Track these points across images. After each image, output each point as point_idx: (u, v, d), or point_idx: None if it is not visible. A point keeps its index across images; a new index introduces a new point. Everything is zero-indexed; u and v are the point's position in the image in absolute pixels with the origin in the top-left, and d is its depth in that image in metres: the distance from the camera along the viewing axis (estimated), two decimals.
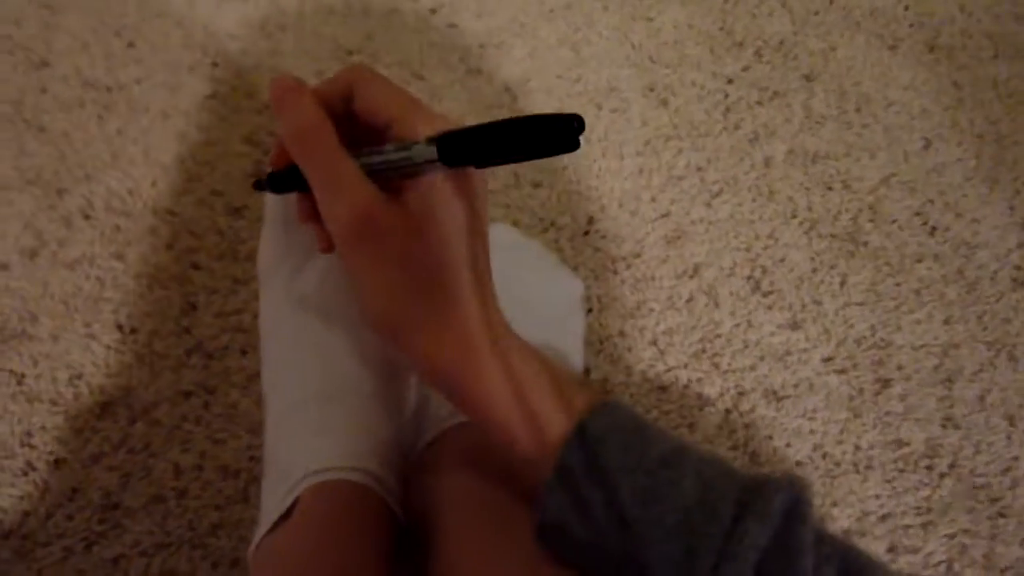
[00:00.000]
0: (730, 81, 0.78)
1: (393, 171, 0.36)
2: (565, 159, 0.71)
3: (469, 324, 0.38)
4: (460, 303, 0.38)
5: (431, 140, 0.34)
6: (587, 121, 0.73)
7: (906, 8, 0.84)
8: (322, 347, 0.46)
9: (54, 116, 0.70)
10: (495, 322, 0.39)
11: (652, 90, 0.76)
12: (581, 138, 0.32)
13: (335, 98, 0.37)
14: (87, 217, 0.65)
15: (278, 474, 0.45)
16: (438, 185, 0.36)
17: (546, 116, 0.31)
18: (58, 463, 0.55)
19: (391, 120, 0.36)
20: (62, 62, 0.74)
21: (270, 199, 0.51)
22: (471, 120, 0.72)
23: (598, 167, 0.71)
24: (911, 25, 0.83)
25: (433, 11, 0.80)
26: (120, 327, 0.60)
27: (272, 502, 0.44)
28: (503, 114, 0.74)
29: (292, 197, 0.43)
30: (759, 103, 0.76)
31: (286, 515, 0.43)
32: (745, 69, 0.79)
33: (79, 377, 0.58)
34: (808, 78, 0.78)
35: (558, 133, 0.31)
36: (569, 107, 0.75)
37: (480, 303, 0.38)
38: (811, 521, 0.33)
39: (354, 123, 0.38)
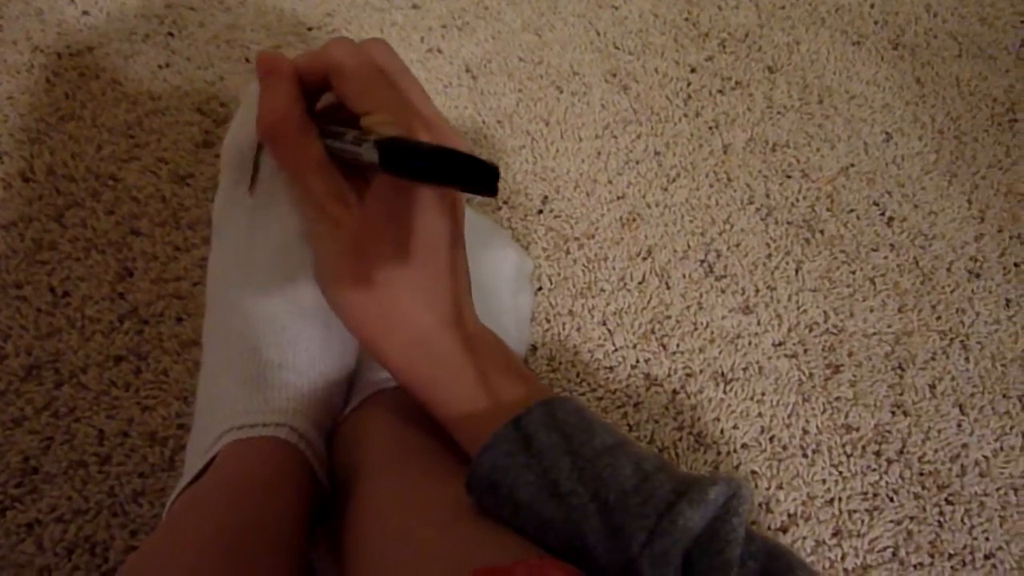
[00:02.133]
0: (693, 70, 0.77)
1: (352, 160, 0.36)
2: (522, 140, 0.70)
3: (416, 327, 0.39)
4: (402, 305, 0.38)
5: (378, 143, 0.33)
6: (547, 104, 0.73)
7: (872, 6, 0.84)
8: (263, 303, 0.45)
9: (0, 79, 0.68)
10: (445, 320, 0.39)
11: (614, 75, 0.76)
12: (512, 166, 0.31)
13: (315, 75, 0.37)
14: (27, 180, 0.63)
15: (203, 428, 0.44)
16: (387, 188, 0.36)
17: (480, 160, 0.32)
18: None
19: (361, 114, 0.36)
20: (13, 27, 0.72)
21: (228, 148, 0.49)
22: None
23: (555, 148, 0.70)
24: (876, 22, 0.83)
25: None
26: (53, 290, 0.58)
27: (195, 456, 0.43)
28: (461, 93, 0.73)
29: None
30: (721, 92, 0.75)
31: (206, 469, 0.41)
32: (709, 59, 0.78)
33: (6, 339, 0.56)
34: (771, 70, 0.78)
35: (486, 176, 0.32)
36: (529, 89, 0.74)
37: (425, 303, 0.39)
38: (744, 516, 0.32)
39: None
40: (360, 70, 0.36)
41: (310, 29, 0.76)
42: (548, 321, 0.61)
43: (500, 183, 0.33)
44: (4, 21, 0.73)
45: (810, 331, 0.61)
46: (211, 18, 0.75)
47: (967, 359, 0.61)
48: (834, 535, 0.53)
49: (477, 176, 0.32)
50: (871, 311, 0.63)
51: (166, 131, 0.67)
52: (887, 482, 0.55)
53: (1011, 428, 0.58)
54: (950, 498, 0.55)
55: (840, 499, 0.54)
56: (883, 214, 0.68)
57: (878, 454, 0.56)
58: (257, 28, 0.75)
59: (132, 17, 0.74)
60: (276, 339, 0.44)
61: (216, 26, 0.75)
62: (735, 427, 0.57)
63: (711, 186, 0.69)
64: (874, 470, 0.55)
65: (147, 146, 0.66)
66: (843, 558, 0.52)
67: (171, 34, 0.74)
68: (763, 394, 0.58)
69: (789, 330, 0.61)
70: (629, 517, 0.32)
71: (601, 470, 0.34)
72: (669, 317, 0.61)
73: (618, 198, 0.67)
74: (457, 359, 0.39)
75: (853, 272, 0.65)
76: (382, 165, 0.32)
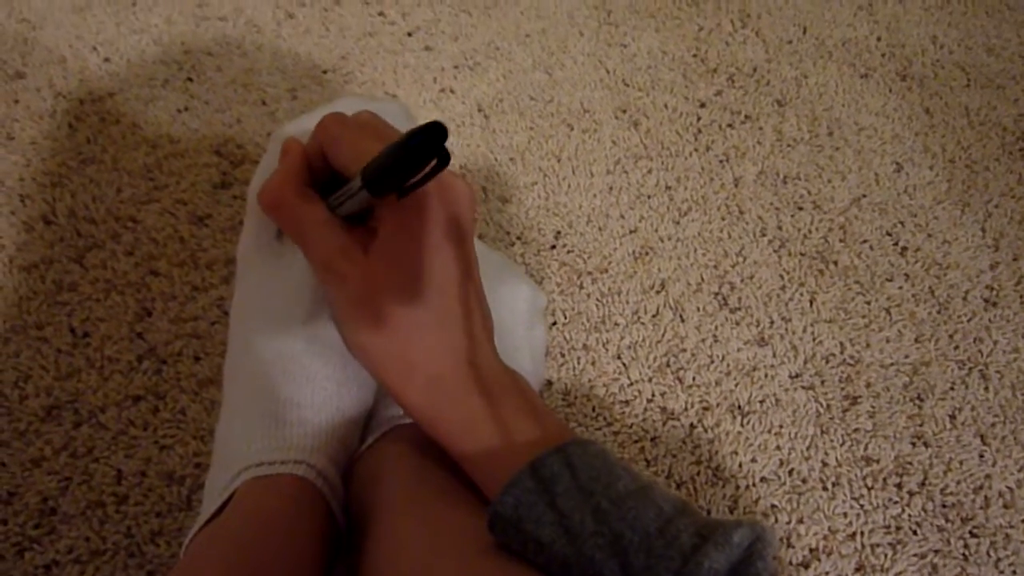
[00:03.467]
0: (702, 105, 0.78)
1: (357, 206, 0.37)
2: (534, 176, 0.71)
3: (432, 368, 0.39)
4: (416, 347, 0.39)
5: (361, 172, 0.34)
6: (558, 141, 0.74)
7: (879, 39, 0.85)
8: (282, 341, 0.45)
9: (24, 125, 0.70)
10: (461, 360, 0.40)
11: (624, 112, 0.77)
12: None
13: (319, 156, 0.40)
14: (49, 223, 0.64)
15: (221, 466, 0.44)
16: (392, 233, 0.37)
17: (425, 128, 0.30)
18: None
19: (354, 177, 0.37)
20: (37, 74, 0.74)
21: (253, 193, 0.49)
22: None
23: (567, 184, 0.71)
24: (883, 55, 0.84)
25: (409, 34, 0.81)
26: (73, 330, 0.59)
27: (212, 494, 0.43)
28: (473, 132, 0.74)
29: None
30: (730, 126, 0.76)
31: (223, 507, 0.41)
32: (718, 94, 0.79)
33: (26, 379, 0.57)
34: (780, 103, 0.79)
35: (427, 139, 0.30)
36: (540, 127, 0.75)
37: (439, 344, 0.39)
38: (768, 561, 0.32)
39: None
40: (347, 137, 0.37)
41: (325, 72, 0.77)
42: (563, 356, 0.61)
43: (449, 143, 0.32)
44: (28, 69, 0.75)
45: (826, 362, 0.61)
46: (228, 63, 0.77)
47: (987, 388, 0.60)
48: (857, 570, 0.52)
49: (436, 147, 0.30)
50: (887, 341, 0.62)
51: (184, 173, 0.68)
52: (910, 515, 0.54)
53: None
54: (975, 530, 0.54)
55: (862, 533, 0.53)
56: (896, 244, 0.68)
57: (899, 486, 0.55)
58: (273, 72, 0.77)
59: (152, 63, 0.76)
60: (294, 377, 0.44)
61: (233, 70, 0.76)
62: (753, 460, 0.56)
63: (723, 219, 0.69)
64: (896, 503, 0.55)
65: (166, 188, 0.67)
66: None
67: (190, 79, 0.75)
68: (781, 427, 0.58)
69: (805, 362, 0.61)
70: (653, 559, 0.32)
71: (625, 513, 0.34)
72: (684, 350, 0.61)
73: (630, 232, 0.68)
74: (474, 400, 0.40)
75: (868, 303, 0.64)
76: (367, 188, 0.34)
